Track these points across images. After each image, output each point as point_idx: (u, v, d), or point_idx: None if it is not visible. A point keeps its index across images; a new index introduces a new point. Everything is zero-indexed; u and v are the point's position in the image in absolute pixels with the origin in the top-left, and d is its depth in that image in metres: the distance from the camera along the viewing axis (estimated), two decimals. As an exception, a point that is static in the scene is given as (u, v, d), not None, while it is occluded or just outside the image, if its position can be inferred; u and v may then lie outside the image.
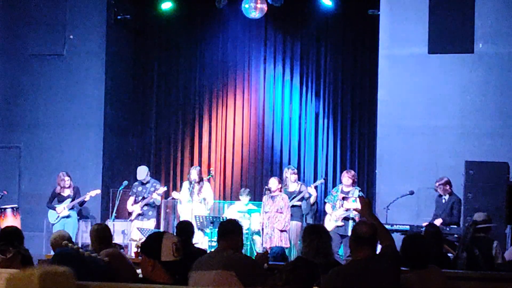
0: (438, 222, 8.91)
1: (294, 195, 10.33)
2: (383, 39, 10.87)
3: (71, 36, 12.00)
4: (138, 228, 9.88)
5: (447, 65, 10.55)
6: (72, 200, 10.63)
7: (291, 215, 10.06)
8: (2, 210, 10.65)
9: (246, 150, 13.01)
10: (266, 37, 13.03)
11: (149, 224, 10.46)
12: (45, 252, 8.92)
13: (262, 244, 10.00)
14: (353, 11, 12.32)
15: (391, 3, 10.80)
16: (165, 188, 10.92)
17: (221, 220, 9.10)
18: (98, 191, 10.85)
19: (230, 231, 4.91)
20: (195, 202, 10.47)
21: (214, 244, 9.15)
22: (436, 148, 10.47)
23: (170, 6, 12.69)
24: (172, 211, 11.84)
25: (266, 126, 12.92)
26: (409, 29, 10.65)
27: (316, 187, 10.73)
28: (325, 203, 10.44)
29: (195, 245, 7.31)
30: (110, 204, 11.29)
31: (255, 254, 6.87)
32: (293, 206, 10.19)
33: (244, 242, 5.85)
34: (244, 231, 7.83)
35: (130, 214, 10.68)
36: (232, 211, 10.76)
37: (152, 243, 3.54)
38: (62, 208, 10.58)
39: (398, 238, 5.56)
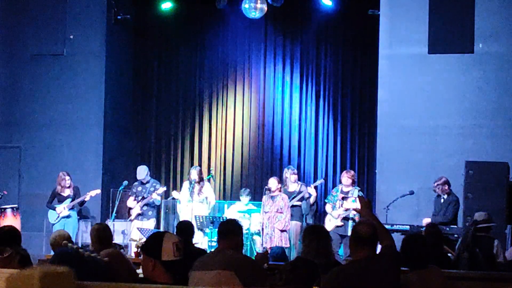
0: (425, 221, 8.89)
1: (294, 195, 10.33)
2: (383, 39, 10.87)
3: (71, 36, 12.00)
4: (138, 228, 9.87)
5: (447, 65, 10.54)
6: (72, 200, 10.63)
7: (291, 215, 10.06)
8: (2, 210, 10.65)
9: (246, 150, 13.01)
10: (266, 37, 13.03)
11: (149, 224, 10.46)
12: (45, 252, 8.93)
13: (262, 244, 10.00)
14: (353, 11, 12.32)
15: (391, 3, 10.80)
16: (165, 188, 10.92)
17: (221, 220, 9.10)
18: (98, 191, 10.85)
19: (230, 231, 4.91)
20: (195, 202, 10.46)
21: (214, 244, 9.15)
22: (436, 148, 10.47)
23: (170, 6, 12.70)
24: (172, 211, 11.83)
25: (266, 126, 12.92)
26: (409, 29, 10.65)
27: (316, 187, 10.73)
28: (325, 203, 10.45)
29: (195, 245, 7.31)
30: (110, 204, 11.28)
31: (255, 254, 6.87)
32: (293, 206, 10.19)
33: (244, 242, 5.85)
34: (244, 231, 7.84)
35: (130, 211, 10.67)
36: (232, 211, 10.77)
37: (153, 242, 3.56)
38: (62, 208, 10.58)
39: (398, 238, 5.58)
